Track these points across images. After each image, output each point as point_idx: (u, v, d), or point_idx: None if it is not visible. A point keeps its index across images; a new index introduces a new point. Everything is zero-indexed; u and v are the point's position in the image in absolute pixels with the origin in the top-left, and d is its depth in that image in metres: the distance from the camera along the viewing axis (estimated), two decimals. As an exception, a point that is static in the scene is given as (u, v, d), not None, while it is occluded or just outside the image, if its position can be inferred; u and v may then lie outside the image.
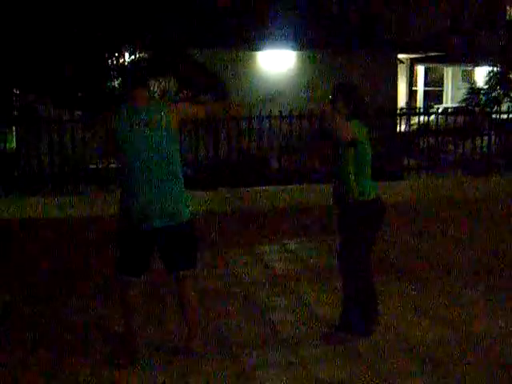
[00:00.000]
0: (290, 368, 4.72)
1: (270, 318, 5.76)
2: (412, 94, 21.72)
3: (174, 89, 11.18)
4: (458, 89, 23.43)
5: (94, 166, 11.11)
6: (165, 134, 4.64)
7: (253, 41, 14.90)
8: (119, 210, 4.78)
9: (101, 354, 5.01)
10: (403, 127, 13.01)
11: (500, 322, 5.56)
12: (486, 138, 13.03)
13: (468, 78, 23.78)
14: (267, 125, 11.47)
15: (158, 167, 4.61)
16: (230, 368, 4.72)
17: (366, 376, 4.57)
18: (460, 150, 12.87)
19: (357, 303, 5.20)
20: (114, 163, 9.62)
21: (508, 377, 4.53)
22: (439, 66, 23.51)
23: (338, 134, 4.79)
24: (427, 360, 4.79)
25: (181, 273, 4.86)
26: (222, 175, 11.48)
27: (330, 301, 5.99)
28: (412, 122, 13.10)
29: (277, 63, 16.13)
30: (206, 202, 10.62)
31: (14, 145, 13.11)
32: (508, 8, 18.34)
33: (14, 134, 12.97)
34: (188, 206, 4.78)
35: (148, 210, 4.59)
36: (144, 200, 4.59)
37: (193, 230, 4.85)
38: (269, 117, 11.54)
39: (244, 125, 11.35)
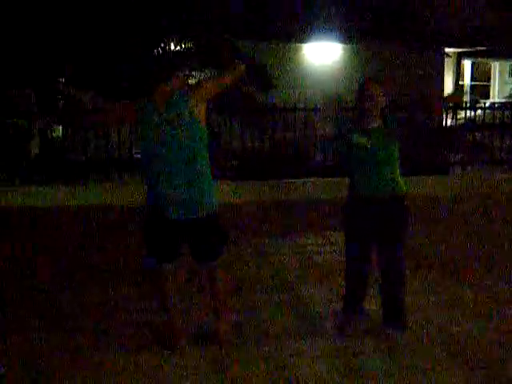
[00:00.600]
0: (327, 359, 4.69)
1: (309, 310, 5.74)
2: (458, 89, 21.44)
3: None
4: (506, 83, 23.12)
5: (139, 156, 11.18)
6: (190, 129, 4.57)
7: (298, 33, 14.82)
8: (146, 199, 4.80)
9: (137, 341, 5.05)
10: (449, 121, 12.88)
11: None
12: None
13: (516, 73, 23.45)
14: (312, 117, 11.44)
15: (181, 163, 4.55)
16: (267, 357, 4.70)
17: (405, 369, 4.52)
18: (506, 146, 12.73)
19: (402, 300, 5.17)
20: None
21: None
22: (486, 60, 23.17)
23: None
24: (466, 356, 4.72)
25: (208, 263, 4.87)
26: (267, 167, 11.47)
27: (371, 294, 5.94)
28: (459, 116, 12.94)
29: (322, 55, 16.05)
30: (250, 192, 10.64)
31: (60, 133, 13.23)
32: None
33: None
34: (213, 198, 4.74)
35: (172, 203, 4.58)
36: (168, 193, 4.58)
37: (218, 221, 4.81)
38: (315, 109, 11.51)
39: (289, 117, 11.34)
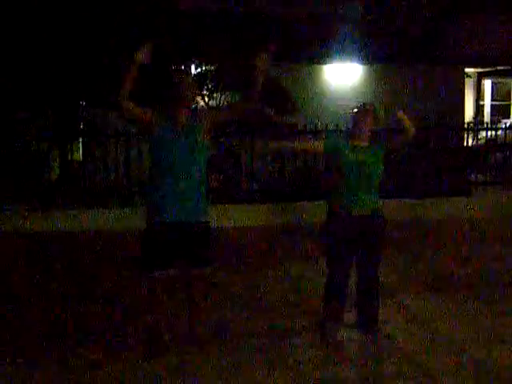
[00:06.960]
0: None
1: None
2: (479, 109, 21.32)
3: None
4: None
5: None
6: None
7: (319, 55, 14.83)
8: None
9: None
10: (471, 142, 12.79)
11: None
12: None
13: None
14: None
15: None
16: None
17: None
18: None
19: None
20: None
21: None
22: (507, 79, 23.03)
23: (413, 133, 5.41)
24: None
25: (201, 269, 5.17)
26: (289, 189, 11.44)
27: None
28: (480, 136, 12.85)
29: (343, 76, 15.95)
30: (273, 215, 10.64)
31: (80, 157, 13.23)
32: None
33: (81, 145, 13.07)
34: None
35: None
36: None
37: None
38: (336, 131, 11.32)
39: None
